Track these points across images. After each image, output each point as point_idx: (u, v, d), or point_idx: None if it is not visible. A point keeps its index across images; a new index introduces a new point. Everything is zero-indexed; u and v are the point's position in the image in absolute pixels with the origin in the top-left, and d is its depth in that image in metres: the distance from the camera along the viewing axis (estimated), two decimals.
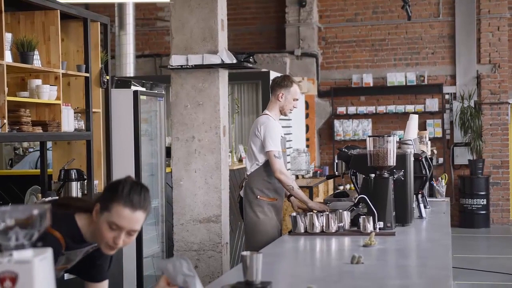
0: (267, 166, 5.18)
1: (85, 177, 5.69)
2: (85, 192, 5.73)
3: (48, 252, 1.78)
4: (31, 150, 8.89)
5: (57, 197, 5.13)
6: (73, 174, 5.55)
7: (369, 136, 4.47)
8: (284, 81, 5.38)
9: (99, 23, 5.99)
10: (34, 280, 1.72)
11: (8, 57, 4.79)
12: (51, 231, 2.63)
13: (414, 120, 5.67)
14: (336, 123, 12.99)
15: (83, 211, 2.75)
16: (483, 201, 12.27)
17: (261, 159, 5.22)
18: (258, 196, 5.26)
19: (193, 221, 5.60)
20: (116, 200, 2.60)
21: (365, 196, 4.33)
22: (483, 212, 12.31)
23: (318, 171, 10.83)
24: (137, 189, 2.64)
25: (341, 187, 11.03)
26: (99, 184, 5.98)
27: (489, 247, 11.07)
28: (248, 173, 5.34)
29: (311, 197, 8.93)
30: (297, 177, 10.25)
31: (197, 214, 5.58)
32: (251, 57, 5.75)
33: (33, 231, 1.76)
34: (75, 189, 5.54)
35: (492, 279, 8.31)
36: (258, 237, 5.21)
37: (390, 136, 4.43)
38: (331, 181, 10.87)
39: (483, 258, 9.85)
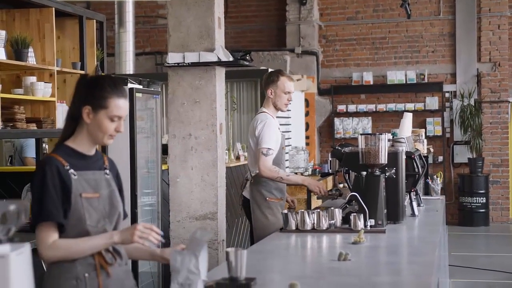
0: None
1: None
2: None
3: (26, 247, 1.81)
4: None
5: None
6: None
7: (361, 134, 4.48)
8: (270, 77, 5.37)
9: (94, 20, 6.01)
10: (10, 275, 1.74)
11: (2, 55, 4.82)
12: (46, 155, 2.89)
13: (408, 118, 5.68)
14: (336, 121, 13.00)
15: (67, 137, 2.92)
16: (482, 200, 12.28)
17: None
18: (267, 198, 5.24)
19: (190, 218, 5.61)
20: (110, 96, 2.84)
21: (356, 194, 4.35)
22: (483, 210, 12.32)
23: (318, 169, 10.83)
24: (115, 80, 2.91)
25: (341, 185, 11.03)
26: None
27: (488, 246, 11.08)
28: (253, 174, 5.29)
29: (309, 195, 8.90)
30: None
31: (194, 211, 5.59)
32: (247, 55, 5.75)
33: (10, 226, 1.79)
34: None
35: (490, 277, 8.32)
36: None
37: (381, 134, 4.44)
38: (330, 179, 10.87)
39: (482, 256, 9.86)
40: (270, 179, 5.19)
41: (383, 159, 4.41)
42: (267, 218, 5.17)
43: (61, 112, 5.42)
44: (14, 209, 1.79)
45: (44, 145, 6.36)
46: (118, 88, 2.87)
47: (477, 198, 12.27)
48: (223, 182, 5.71)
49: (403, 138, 5.24)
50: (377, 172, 4.42)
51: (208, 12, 5.55)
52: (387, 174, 4.50)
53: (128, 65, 11.01)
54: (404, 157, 4.72)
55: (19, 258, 1.78)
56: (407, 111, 11.83)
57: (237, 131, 9.99)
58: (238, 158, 8.78)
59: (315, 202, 8.84)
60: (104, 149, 6.17)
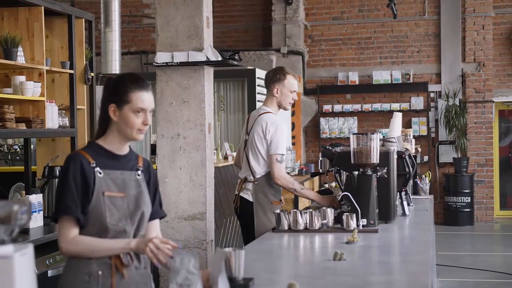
0: None
1: None
2: None
3: (29, 248, 1.79)
4: (16, 147, 8.87)
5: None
6: (57, 171, 5.52)
7: (353, 134, 4.48)
8: (276, 75, 5.13)
9: (83, 19, 5.97)
10: (14, 276, 1.73)
11: None
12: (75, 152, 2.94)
13: (398, 118, 5.70)
14: (322, 121, 13.03)
15: (99, 137, 2.99)
16: (467, 199, 12.35)
17: None
18: (273, 201, 5.09)
19: (178, 219, 5.60)
20: (131, 90, 2.91)
21: (348, 194, 4.35)
22: (467, 210, 12.39)
23: (304, 169, 10.85)
24: (136, 75, 3.00)
25: (326, 185, 11.06)
26: None
27: (473, 245, 11.14)
28: (257, 176, 5.08)
29: (296, 196, 8.89)
30: None
31: (182, 212, 5.58)
32: (236, 55, 5.74)
33: (13, 227, 1.77)
34: None
35: (476, 276, 8.37)
36: None
37: (373, 133, 4.44)
38: (316, 179, 10.90)
39: (467, 255, 9.91)
40: (284, 187, 5.04)
41: (375, 158, 4.42)
42: (270, 221, 4.95)
43: (50, 112, 5.39)
44: (17, 210, 1.77)
45: (32, 145, 6.30)
46: (139, 83, 2.94)
47: (462, 197, 12.35)
48: (211, 182, 5.69)
49: (394, 138, 5.25)
50: (369, 172, 4.43)
51: (196, 12, 5.54)
52: (378, 173, 4.50)
53: (114, 65, 10.93)
54: (395, 156, 4.73)
55: (23, 259, 1.77)
56: (393, 111, 11.89)
57: (224, 131, 9.97)
58: (226, 158, 8.76)
59: (303, 203, 8.85)
60: None
